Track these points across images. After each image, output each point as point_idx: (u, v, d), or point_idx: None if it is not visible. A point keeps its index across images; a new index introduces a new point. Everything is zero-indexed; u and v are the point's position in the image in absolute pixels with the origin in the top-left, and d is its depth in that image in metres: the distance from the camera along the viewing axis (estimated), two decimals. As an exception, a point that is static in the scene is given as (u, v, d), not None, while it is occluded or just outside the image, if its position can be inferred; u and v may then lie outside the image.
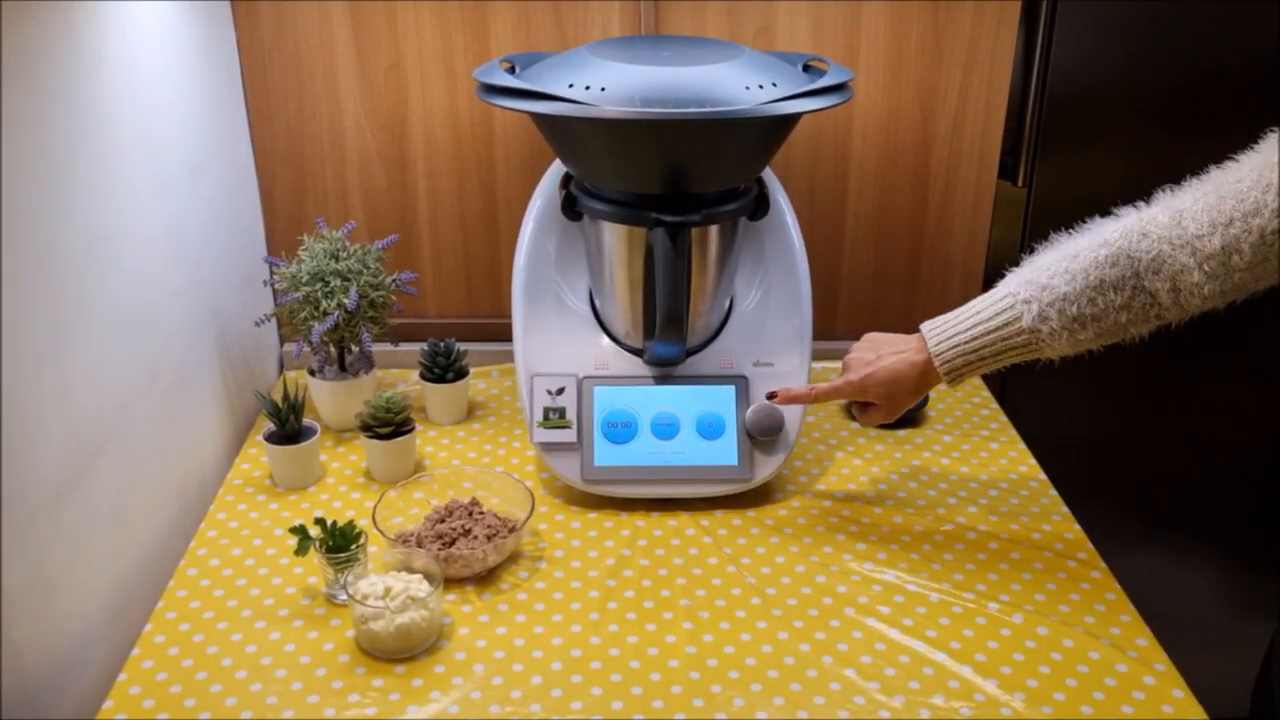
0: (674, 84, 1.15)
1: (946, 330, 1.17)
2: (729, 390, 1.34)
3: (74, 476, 1.05)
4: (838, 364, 1.68)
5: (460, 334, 1.55)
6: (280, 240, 1.61)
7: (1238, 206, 0.98)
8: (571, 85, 1.16)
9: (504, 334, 1.45)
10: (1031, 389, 1.80)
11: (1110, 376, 1.82)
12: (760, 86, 1.17)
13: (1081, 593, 1.19)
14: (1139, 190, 1.63)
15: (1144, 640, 1.12)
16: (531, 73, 1.26)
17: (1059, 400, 1.82)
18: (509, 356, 1.48)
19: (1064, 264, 1.09)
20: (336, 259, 1.42)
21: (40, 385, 0.99)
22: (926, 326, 1.20)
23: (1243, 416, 1.82)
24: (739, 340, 1.38)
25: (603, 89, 1.14)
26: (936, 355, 1.17)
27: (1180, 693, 1.05)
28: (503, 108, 1.20)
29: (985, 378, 1.67)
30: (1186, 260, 1.01)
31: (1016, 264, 1.76)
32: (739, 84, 1.17)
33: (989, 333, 1.13)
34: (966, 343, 1.15)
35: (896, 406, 1.24)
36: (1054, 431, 1.76)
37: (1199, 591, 1.95)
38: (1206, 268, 1.00)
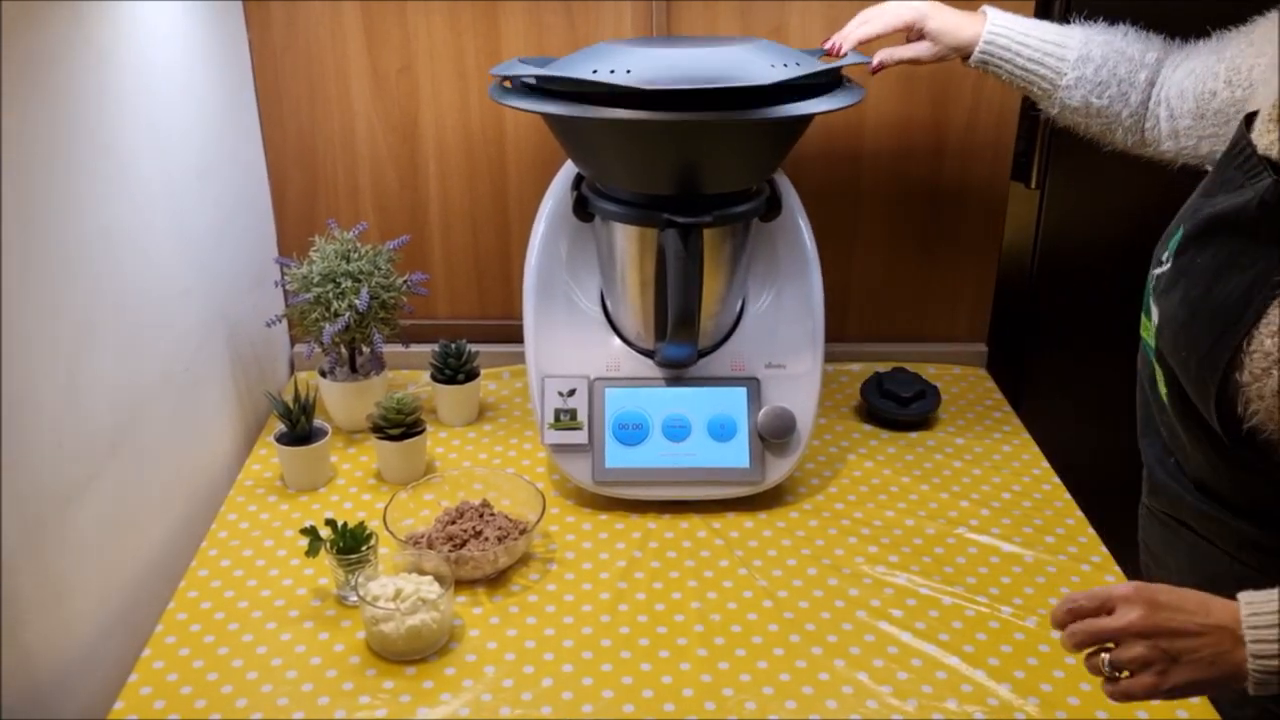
0: (698, 63, 1.13)
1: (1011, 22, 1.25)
2: (740, 392, 1.34)
3: (85, 477, 1.05)
4: (849, 365, 1.69)
5: (471, 335, 1.55)
6: (291, 241, 1.61)
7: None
8: (595, 71, 1.13)
9: (515, 335, 1.45)
10: (1045, 394, 1.80)
11: (1124, 381, 1.82)
12: (785, 65, 1.16)
13: (1095, 597, 1.18)
14: (1152, 195, 1.61)
15: (1159, 645, 1.11)
16: (553, 68, 1.25)
17: (1073, 407, 1.81)
18: (520, 358, 1.48)
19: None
20: (348, 260, 1.42)
21: (51, 386, 0.99)
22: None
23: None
24: (750, 342, 1.37)
25: (628, 70, 1.12)
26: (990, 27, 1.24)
27: (1195, 699, 1.04)
28: (514, 108, 1.20)
29: (997, 381, 1.66)
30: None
31: (1028, 265, 1.77)
32: (763, 63, 1.15)
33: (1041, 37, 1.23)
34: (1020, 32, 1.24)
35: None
36: (1067, 435, 1.75)
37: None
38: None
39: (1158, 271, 1.04)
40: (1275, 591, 0.83)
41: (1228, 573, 1.06)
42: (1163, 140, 1.21)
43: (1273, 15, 1.08)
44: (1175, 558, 1.14)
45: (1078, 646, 0.88)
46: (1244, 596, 0.84)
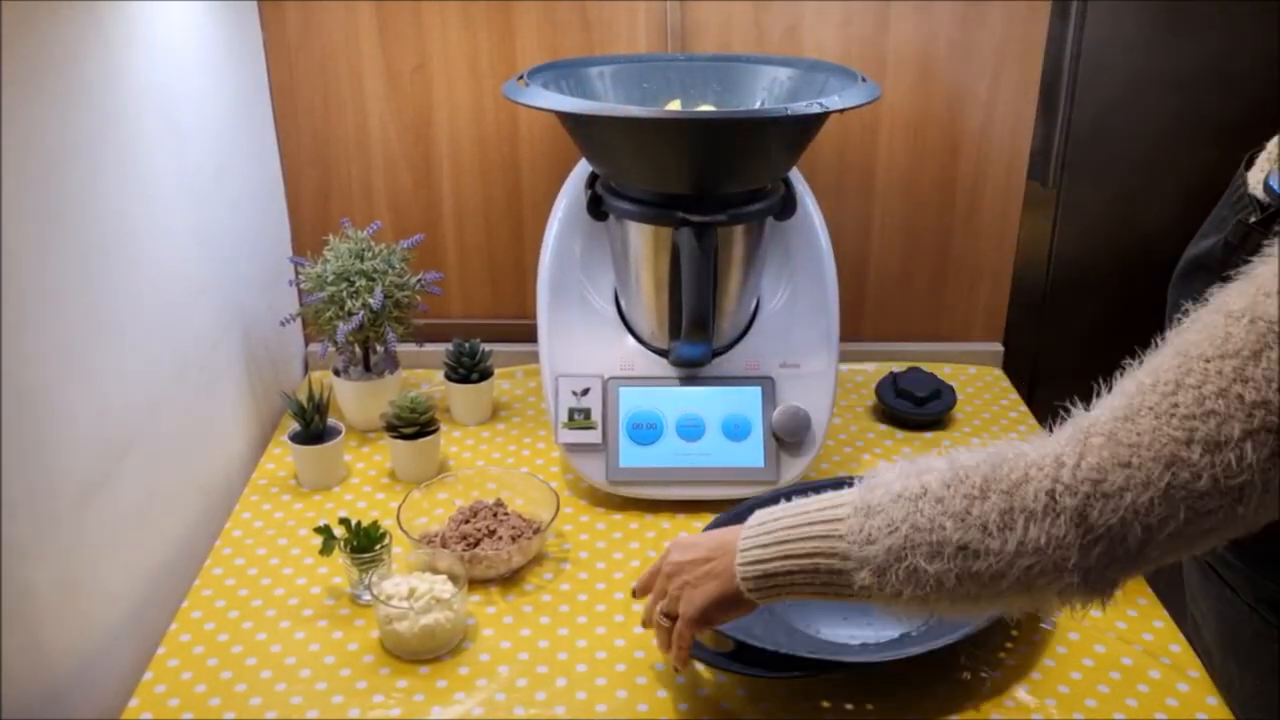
0: None
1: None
2: (755, 391, 1.33)
3: (100, 476, 1.05)
4: (864, 365, 1.68)
5: (485, 334, 1.55)
6: (305, 240, 1.61)
7: None
8: None
9: (528, 335, 1.45)
10: (1061, 394, 1.78)
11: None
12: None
13: (1113, 598, 1.17)
14: (1169, 194, 1.60)
15: (1177, 647, 1.10)
16: None
17: (1090, 408, 1.80)
18: (533, 357, 1.48)
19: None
20: (361, 259, 1.42)
21: (67, 384, 0.99)
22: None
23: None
24: (765, 341, 1.37)
25: None
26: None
27: (1214, 700, 1.03)
28: (528, 107, 1.20)
29: (1013, 381, 1.65)
30: None
31: (1045, 264, 1.76)
32: None
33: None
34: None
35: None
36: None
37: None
38: None
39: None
40: (778, 508, 0.87)
41: (1247, 623, 1.05)
42: None
43: None
44: (1207, 599, 1.13)
45: (647, 613, 0.97)
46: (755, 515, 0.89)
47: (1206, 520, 0.70)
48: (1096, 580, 0.75)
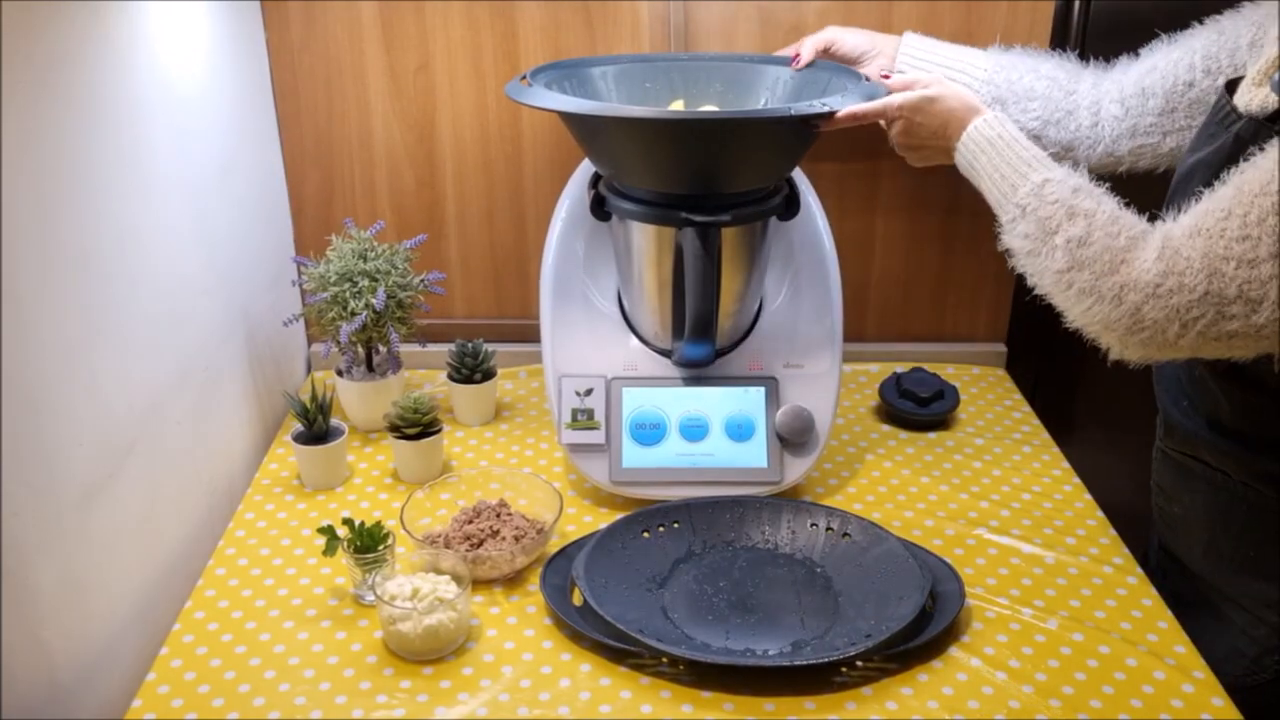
0: None
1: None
2: (759, 392, 1.33)
3: (104, 476, 1.05)
4: (867, 365, 1.68)
5: (488, 335, 1.55)
6: (308, 240, 1.61)
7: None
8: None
9: (532, 335, 1.45)
10: (1064, 395, 1.78)
11: (1146, 381, 1.80)
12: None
13: (1118, 598, 1.17)
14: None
15: (1182, 647, 1.10)
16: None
17: (1093, 409, 1.80)
18: (536, 358, 1.48)
19: None
20: (364, 259, 1.42)
21: (71, 385, 0.99)
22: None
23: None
24: (768, 341, 1.37)
25: None
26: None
27: (1220, 700, 1.03)
28: (532, 107, 1.20)
29: (1017, 381, 1.65)
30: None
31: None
32: None
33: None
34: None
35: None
36: (1087, 436, 1.74)
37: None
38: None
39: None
40: (1002, 131, 1.12)
41: (1242, 500, 1.13)
42: (1115, 142, 1.27)
43: (1244, 8, 1.18)
44: (1189, 493, 1.19)
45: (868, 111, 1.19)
46: (985, 118, 1.13)
47: (1229, 323, 0.92)
48: (1130, 350, 1.02)
